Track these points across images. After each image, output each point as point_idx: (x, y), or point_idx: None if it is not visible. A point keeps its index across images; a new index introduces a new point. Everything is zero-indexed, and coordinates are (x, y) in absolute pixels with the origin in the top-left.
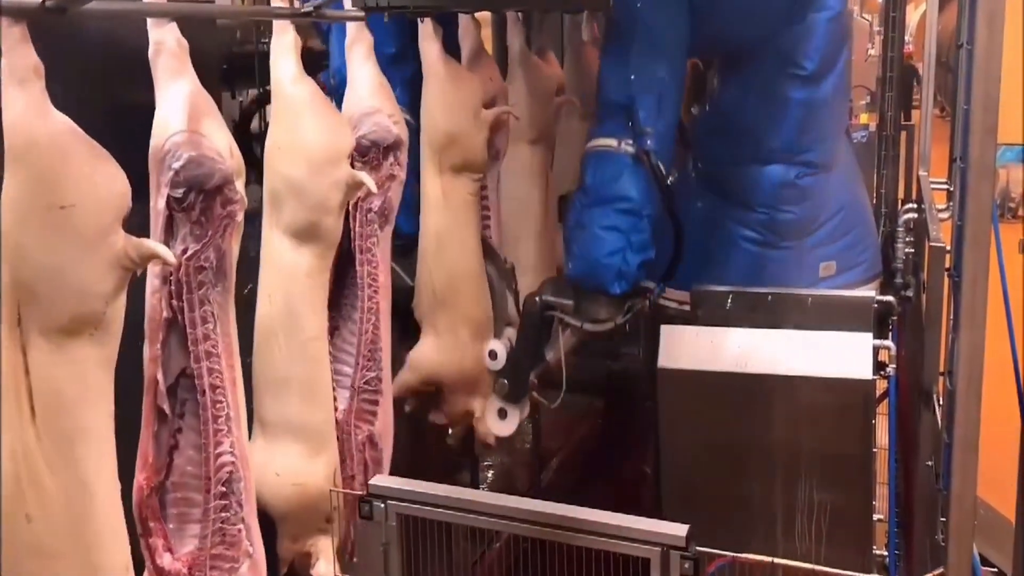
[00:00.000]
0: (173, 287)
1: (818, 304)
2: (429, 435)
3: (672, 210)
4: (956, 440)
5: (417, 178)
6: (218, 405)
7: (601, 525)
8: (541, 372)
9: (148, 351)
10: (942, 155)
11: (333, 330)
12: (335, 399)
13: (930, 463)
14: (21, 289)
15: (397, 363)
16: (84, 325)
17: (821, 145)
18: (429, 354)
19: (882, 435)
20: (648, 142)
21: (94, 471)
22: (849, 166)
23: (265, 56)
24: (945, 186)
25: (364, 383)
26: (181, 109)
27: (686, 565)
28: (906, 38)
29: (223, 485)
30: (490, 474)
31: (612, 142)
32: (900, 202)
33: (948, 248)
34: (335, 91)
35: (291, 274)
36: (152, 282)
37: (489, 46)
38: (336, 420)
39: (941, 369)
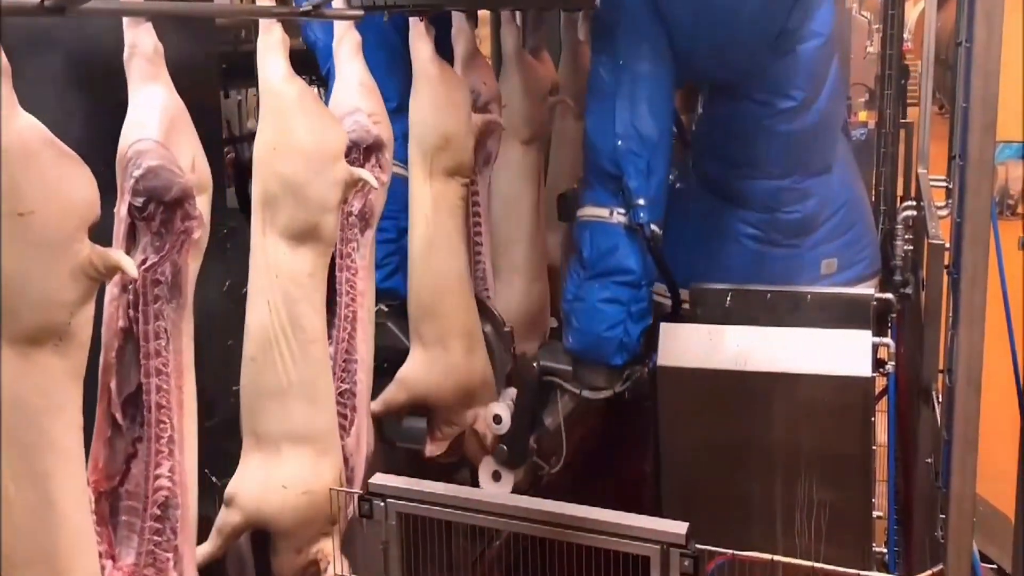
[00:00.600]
0: (131, 297)
1: (817, 301)
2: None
3: (670, 281)
4: (955, 437)
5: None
6: (161, 426)
7: (601, 523)
8: (540, 436)
9: (103, 358)
10: (941, 152)
11: None
12: None
13: (929, 460)
14: None
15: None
16: (48, 335)
17: (818, 155)
18: (418, 371)
19: (881, 433)
20: (641, 214)
21: (59, 483)
22: (848, 162)
23: None
24: (944, 183)
25: (337, 395)
26: (149, 116)
27: (686, 563)
28: (905, 36)
29: (158, 508)
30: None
31: (604, 212)
32: (899, 199)
33: (947, 245)
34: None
35: (291, 277)
36: (111, 290)
37: (488, 44)
38: None
39: (940, 366)
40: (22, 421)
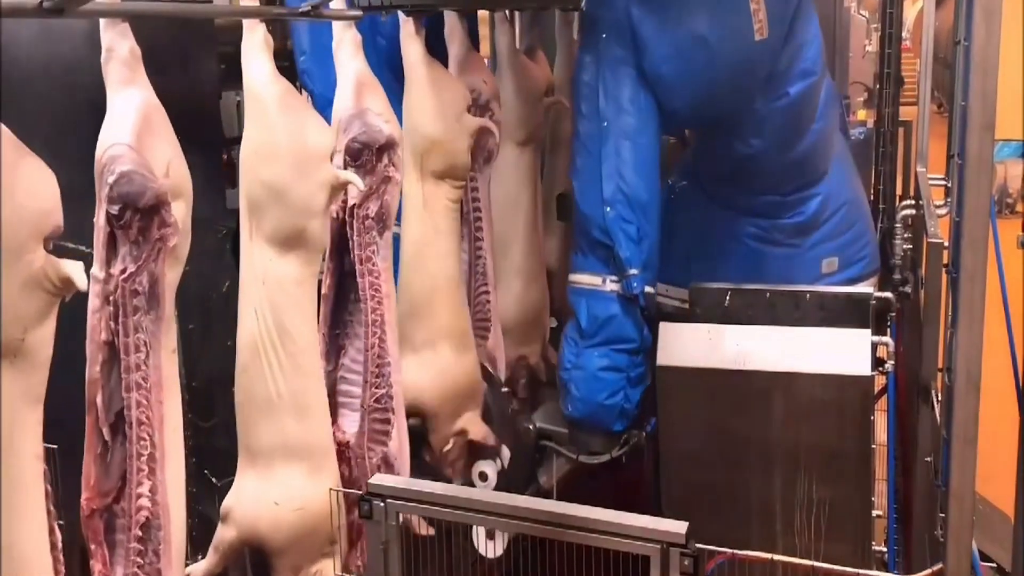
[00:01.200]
0: (112, 308)
1: (816, 301)
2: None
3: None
4: (955, 436)
5: None
6: (141, 442)
7: (601, 523)
8: (534, 494)
9: (88, 372)
10: (940, 151)
11: (339, 351)
12: (337, 420)
13: (929, 459)
14: None
15: None
16: (2, 352)
17: (819, 166)
18: (410, 377)
19: (881, 431)
20: (635, 284)
21: (11, 512)
22: (847, 162)
23: None
24: (943, 182)
25: (374, 402)
26: (125, 121)
27: (686, 562)
28: (903, 34)
29: (140, 529)
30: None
31: (597, 280)
32: (898, 198)
33: (946, 244)
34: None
35: (278, 285)
36: (93, 301)
37: (487, 44)
38: (348, 444)
39: (940, 365)
40: None
